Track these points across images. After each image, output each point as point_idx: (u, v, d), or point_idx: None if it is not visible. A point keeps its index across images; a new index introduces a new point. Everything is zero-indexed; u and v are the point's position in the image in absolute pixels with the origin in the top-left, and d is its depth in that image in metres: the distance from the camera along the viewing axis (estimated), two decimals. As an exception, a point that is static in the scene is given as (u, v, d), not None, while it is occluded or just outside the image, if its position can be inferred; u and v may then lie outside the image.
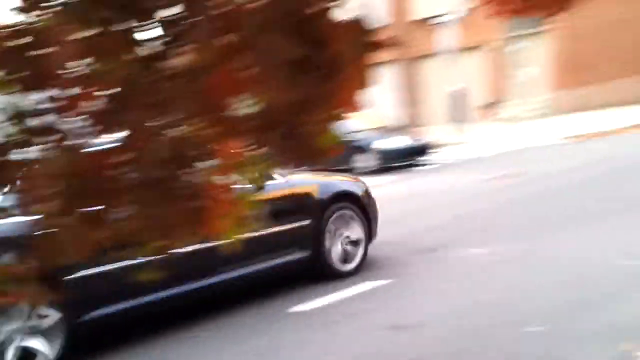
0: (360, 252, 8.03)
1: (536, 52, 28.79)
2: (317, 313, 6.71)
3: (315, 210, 7.66)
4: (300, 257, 7.56)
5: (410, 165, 18.45)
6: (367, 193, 8.39)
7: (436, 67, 28.66)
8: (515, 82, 29.55)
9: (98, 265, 5.82)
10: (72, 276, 5.72)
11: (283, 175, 7.41)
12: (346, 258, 7.91)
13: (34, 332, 5.64)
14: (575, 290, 6.35)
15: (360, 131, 17.89)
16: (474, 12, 24.86)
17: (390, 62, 30.38)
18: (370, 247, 8.24)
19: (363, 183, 8.67)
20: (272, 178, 6.87)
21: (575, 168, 14.32)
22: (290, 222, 7.43)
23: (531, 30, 27.97)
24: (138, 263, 3.43)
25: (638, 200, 10.16)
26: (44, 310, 5.62)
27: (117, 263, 5.75)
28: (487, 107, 26.84)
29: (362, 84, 2.27)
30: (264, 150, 2.40)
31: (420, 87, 32.94)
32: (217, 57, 2.16)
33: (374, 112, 19.52)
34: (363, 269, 7.96)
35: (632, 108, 26.53)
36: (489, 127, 25.80)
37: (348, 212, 7.96)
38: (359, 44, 2.23)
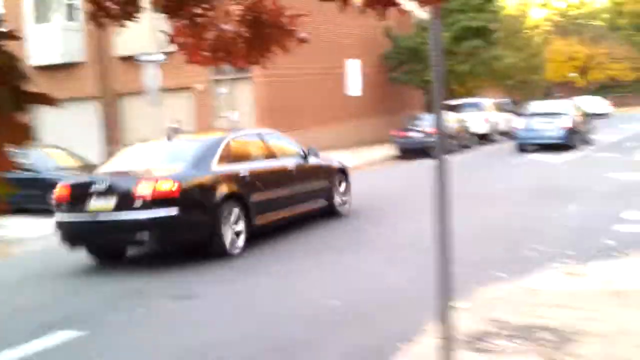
0: (346, 199, 13.48)
1: (243, 96, 29.89)
2: None
3: (331, 176, 13.08)
4: (322, 205, 12.72)
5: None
6: (345, 168, 14.00)
7: (142, 106, 28.37)
8: (223, 125, 30.32)
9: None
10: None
11: (316, 156, 12.86)
12: (341, 203, 13.19)
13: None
14: (284, 328, 6.53)
15: (61, 169, 16.90)
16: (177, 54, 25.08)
17: (92, 99, 29.52)
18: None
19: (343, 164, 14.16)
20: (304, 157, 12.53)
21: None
22: (320, 182, 12.69)
23: (238, 75, 29.02)
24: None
25: (347, 239, 10.87)
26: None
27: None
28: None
29: (14, 139, 1.82)
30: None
31: (125, 126, 32.35)
32: None
33: (71, 151, 18.82)
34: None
35: (330, 154, 28.66)
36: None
37: (342, 177, 13.46)
38: (10, 93, 1.80)
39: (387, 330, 6.32)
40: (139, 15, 4.10)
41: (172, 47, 4.17)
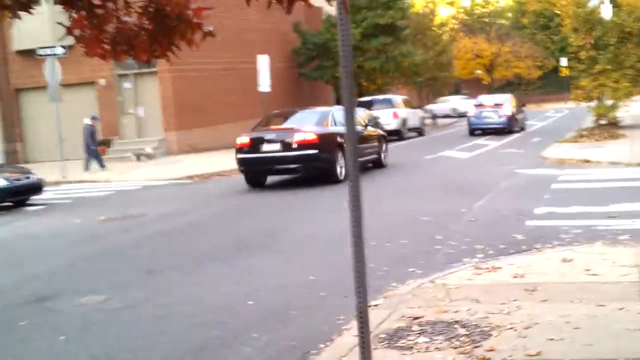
0: (386, 155, 20.14)
1: (148, 91, 29.28)
2: None
3: (380, 140, 19.50)
4: (374, 158, 18.99)
5: (16, 206, 17.17)
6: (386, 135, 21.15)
7: (43, 101, 27.37)
8: (129, 121, 29.64)
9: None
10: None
11: (372, 126, 20.31)
12: (384, 158, 19.81)
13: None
14: (198, 332, 6.40)
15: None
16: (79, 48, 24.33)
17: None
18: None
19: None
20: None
21: (196, 207, 14.78)
22: (374, 143, 18.86)
23: (144, 70, 28.41)
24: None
25: (255, 239, 10.75)
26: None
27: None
28: (100, 144, 26.42)
29: None
30: None
31: (25, 122, 31.18)
32: None
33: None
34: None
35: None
36: (105, 166, 25.33)
37: (384, 141, 20.10)
38: None
39: (308, 331, 6.27)
40: (35, 6, 3.90)
41: (72, 40, 3.98)
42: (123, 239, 11.69)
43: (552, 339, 5.37)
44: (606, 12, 28.63)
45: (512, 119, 31.02)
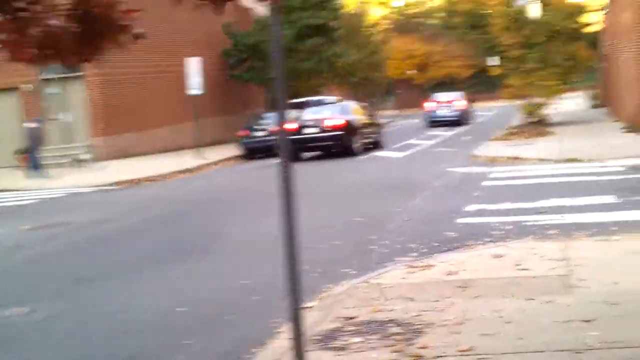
0: (384, 139, 26.71)
1: (75, 96, 28.72)
2: None
3: (378, 126, 26.89)
4: (374, 140, 25.13)
5: None
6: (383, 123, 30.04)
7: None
8: (54, 127, 29.00)
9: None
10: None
11: (375, 117, 27.51)
12: (381, 141, 26.12)
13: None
14: (131, 340, 6.34)
15: None
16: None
17: None
18: None
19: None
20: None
21: (125, 214, 14.57)
22: (373, 128, 25.67)
23: (70, 74, 27.84)
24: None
25: (188, 245, 10.71)
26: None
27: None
28: (23, 151, 25.71)
29: None
30: None
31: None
32: None
33: None
34: None
35: (171, 155, 28.22)
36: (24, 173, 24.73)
37: (382, 128, 27.82)
38: None
39: (242, 336, 6.29)
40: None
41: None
42: (49, 248, 11.45)
43: (484, 334, 5.51)
44: (535, 11, 29.46)
45: (464, 112, 36.61)
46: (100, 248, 11.25)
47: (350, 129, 22.98)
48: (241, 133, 26.70)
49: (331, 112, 24.01)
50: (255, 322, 6.62)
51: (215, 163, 24.85)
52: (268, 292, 7.60)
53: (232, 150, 27.90)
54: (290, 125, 21.13)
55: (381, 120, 28.86)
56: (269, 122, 26.10)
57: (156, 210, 14.85)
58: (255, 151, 26.10)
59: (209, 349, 6.04)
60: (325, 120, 22.85)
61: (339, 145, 22.83)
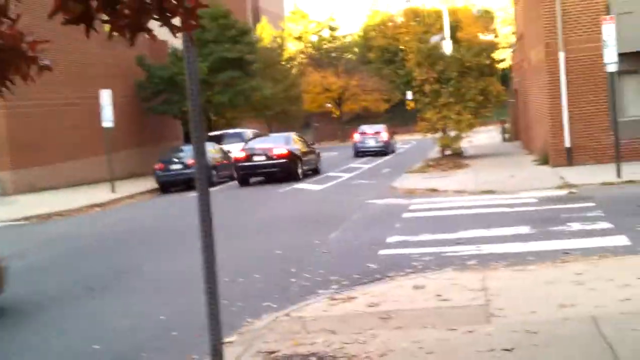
0: (320, 166, 29.25)
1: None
2: None
3: (317, 155, 28.98)
4: (314, 167, 28.02)
5: None
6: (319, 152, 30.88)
7: None
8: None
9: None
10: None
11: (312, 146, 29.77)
12: (319, 168, 28.93)
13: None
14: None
15: None
16: None
17: None
18: None
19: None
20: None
21: (33, 250, 14.03)
22: (313, 156, 28.24)
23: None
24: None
25: (99, 281, 10.38)
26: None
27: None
28: None
29: None
30: None
31: None
32: None
33: None
34: None
35: (84, 189, 27.52)
36: None
37: (319, 156, 29.58)
38: None
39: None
40: None
41: None
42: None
43: (406, 365, 5.52)
44: (447, 48, 30.29)
45: (387, 143, 39.26)
46: (6, 284, 10.75)
47: (294, 157, 25.88)
48: (156, 166, 26.28)
49: (276, 142, 26.78)
50: (173, 359, 6.43)
51: (130, 197, 24.33)
52: (185, 327, 7.43)
53: (148, 183, 27.42)
54: (240, 154, 25.98)
55: (318, 150, 30.06)
56: (185, 154, 25.80)
57: (65, 246, 14.38)
58: (171, 184, 25.73)
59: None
60: (273, 149, 25.58)
61: (285, 171, 25.43)
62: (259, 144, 26.95)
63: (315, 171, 28.11)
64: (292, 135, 28.24)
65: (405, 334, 6.35)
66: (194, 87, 4.58)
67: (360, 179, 24.98)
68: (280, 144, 26.19)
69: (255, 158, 25.58)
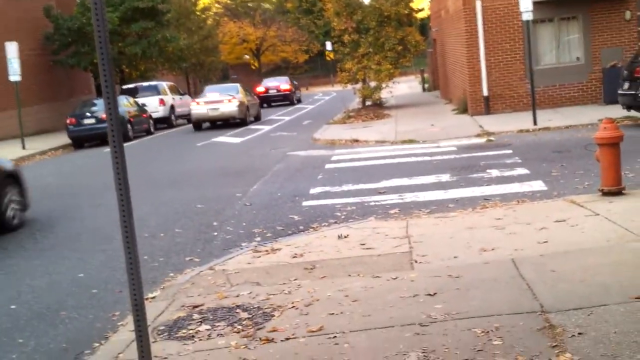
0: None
1: None
2: None
3: (257, 103, 32.60)
4: (256, 114, 31.28)
5: None
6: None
7: None
8: None
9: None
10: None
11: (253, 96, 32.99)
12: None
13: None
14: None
15: None
16: None
17: None
18: None
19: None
20: None
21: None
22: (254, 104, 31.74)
23: None
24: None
25: (12, 241, 10.08)
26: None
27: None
28: None
29: None
30: None
31: None
32: None
33: None
34: None
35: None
36: None
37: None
38: None
39: (81, 331, 6.00)
40: None
41: None
42: None
43: (332, 314, 5.58)
44: (365, -4, 30.23)
45: (289, 94, 42.87)
46: None
47: (243, 105, 28.27)
48: (68, 121, 25.52)
49: (227, 92, 28.79)
50: (94, 316, 6.35)
51: (41, 153, 23.60)
52: (105, 284, 7.33)
53: (60, 139, 26.64)
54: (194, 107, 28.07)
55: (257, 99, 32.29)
56: (98, 109, 25.14)
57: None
58: (84, 139, 25.08)
59: (45, 346, 5.73)
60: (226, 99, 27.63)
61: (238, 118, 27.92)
62: (211, 96, 28.44)
63: (257, 117, 30.54)
64: (237, 85, 30.04)
65: (331, 283, 6.41)
66: (103, 38, 4.41)
67: (280, 131, 24.90)
68: (232, 93, 28.37)
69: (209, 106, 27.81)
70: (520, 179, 11.25)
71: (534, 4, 17.90)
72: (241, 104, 28.13)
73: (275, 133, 24.38)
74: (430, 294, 5.79)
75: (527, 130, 17.12)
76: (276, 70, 66.28)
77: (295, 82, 48.52)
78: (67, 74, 35.56)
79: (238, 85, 30.98)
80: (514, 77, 21.22)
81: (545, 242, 7.06)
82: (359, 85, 29.98)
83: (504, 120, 19.21)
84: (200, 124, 28.40)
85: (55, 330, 6.10)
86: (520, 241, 7.20)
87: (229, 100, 27.80)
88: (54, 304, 6.82)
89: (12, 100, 25.57)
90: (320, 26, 64.50)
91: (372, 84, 29.51)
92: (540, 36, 21.19)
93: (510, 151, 14.25)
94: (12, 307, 6.85)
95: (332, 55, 39.64)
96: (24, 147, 23.98)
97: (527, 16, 17.52)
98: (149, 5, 35.24)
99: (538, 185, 10.57)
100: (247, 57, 66.09)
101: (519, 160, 13.02)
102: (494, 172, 12.05)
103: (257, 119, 30.53)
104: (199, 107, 27.77)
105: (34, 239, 10.01)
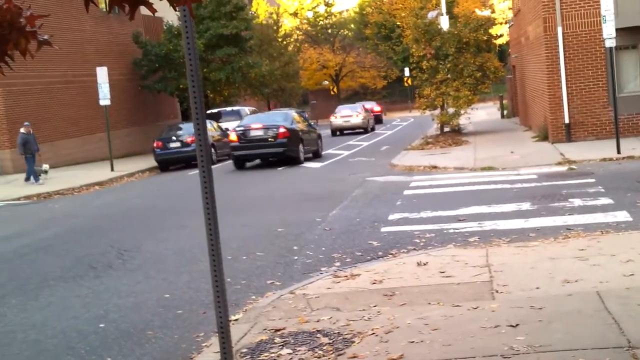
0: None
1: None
2: None
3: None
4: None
5: None
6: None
7: None
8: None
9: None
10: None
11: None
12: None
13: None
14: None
15: None
16: None
17: None
18: None
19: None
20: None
21: (35, 229, 13.99)
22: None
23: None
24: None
25: (102, 260, 10.35)
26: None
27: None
28: None
29: None
30: None
31: None
32: None
33: None
34: None
35: (83, 167, 27.44)
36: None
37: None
38: None
39: (166, 351, 6.11)
40: None
41: None
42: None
43: (412, 342, 5.53)
44: (444, 24, 30.12)
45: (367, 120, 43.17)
46: (10, 264, 10.77)
47: (365, 119, 32.99)
48: (155, 144, 26.22)
49: (354, 110, 33.54)
50: (179, 337, 6.46)
51: (129, 175, 24.30)
52: (189, 305, 7.44)
53: (147, 162, 27.37)
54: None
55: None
56: (183, 132, 25.74)
57: (67, 225, 14.36)
58: (170, 162, 25.70)
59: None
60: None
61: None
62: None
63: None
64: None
65: (410, 311, 6.36)
66: (193, 64, 4.53)
67: (359, 157, 24.94)
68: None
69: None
70: (603, 209, 10.94)
71: (617, 30, 17.48)
72: (364, 117, 39.51)
73: (354, 158, 24.43)
74: (512, 325, 5.67)
75: (611, 159, 16.66)
76: (354, 96, 66.54)
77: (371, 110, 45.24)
78: (154, 98, 36.60)
79: (362, 103, 43.34)
80: (597, 105, 20.71)
81: (631, 274, 6.84)
82: (437, 111, 29.81)
83: (586, 148, 18.74)
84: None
85: (141, 350, 6.23)
86: (604, 273, 6.99)
87: (357, 115, 39.22)
88: (140, 324, 6.97)
89: (102, 124, 26.42)
90: (399, 52, 64.52)
91: (451, 110, 29.29)
92: (623, 63, 20.65)
93: (593, 180, 13.88)
94: (101, 325, 7.04)
95: (410, 81, 39.60)
96: (112, 169, 24.72)
97: (610, 43, 17.12)
98: (232, 32, 36.03)
99: (623, 215, 10.25)
100: (326, 82, 66.60)
101: (602, 190, 12.67)
102: (577, 202, 11.75)
103: (373, 129, 39.36)
104: (337, 119, 39.30)
105: (121, 259, 10.28)
